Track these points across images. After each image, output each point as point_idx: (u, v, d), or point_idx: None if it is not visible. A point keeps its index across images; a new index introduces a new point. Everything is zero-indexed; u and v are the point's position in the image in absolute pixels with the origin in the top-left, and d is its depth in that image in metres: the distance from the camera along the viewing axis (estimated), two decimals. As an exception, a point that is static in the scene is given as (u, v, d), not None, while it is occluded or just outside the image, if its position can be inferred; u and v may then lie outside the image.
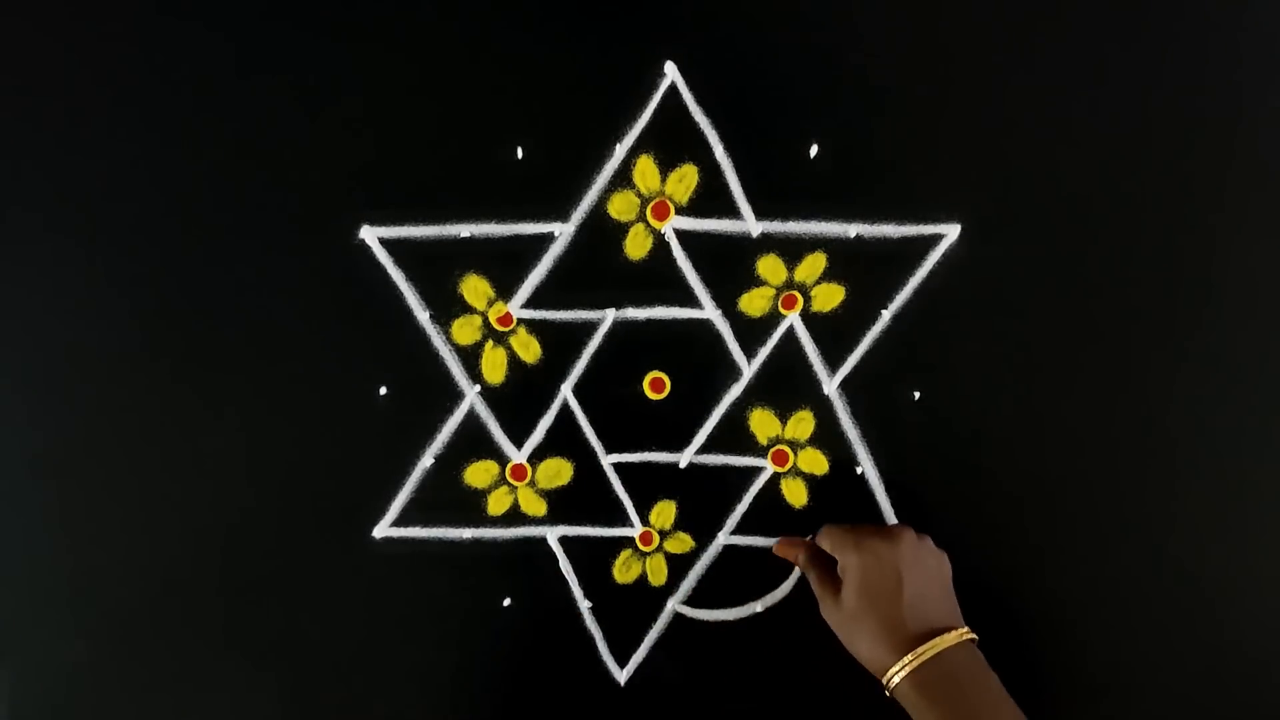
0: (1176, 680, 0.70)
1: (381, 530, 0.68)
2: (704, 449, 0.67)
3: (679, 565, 0.69)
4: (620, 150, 0.63)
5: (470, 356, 0.66)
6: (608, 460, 0.68)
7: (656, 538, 0.69)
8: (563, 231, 0.64)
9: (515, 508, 0.68)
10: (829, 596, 0.63)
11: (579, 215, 0.64)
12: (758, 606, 0.69)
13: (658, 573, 0.69)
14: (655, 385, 0.66)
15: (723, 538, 0.69)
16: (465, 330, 0.65)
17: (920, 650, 0.58)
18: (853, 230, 0.64)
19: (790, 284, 0.65)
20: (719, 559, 0.69)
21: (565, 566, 0.69)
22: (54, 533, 0.68)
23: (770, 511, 0.68)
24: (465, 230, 0.64)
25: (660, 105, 0.62)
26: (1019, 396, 0.66)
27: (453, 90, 0.62)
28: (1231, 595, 0.68)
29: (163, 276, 0.64)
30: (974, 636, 0.60)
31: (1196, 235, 0.63)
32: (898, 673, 0.58)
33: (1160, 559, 0.68)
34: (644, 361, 0.66)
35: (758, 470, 0.68)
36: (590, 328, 0.65)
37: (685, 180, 0.63)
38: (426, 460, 0.67)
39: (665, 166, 0.63)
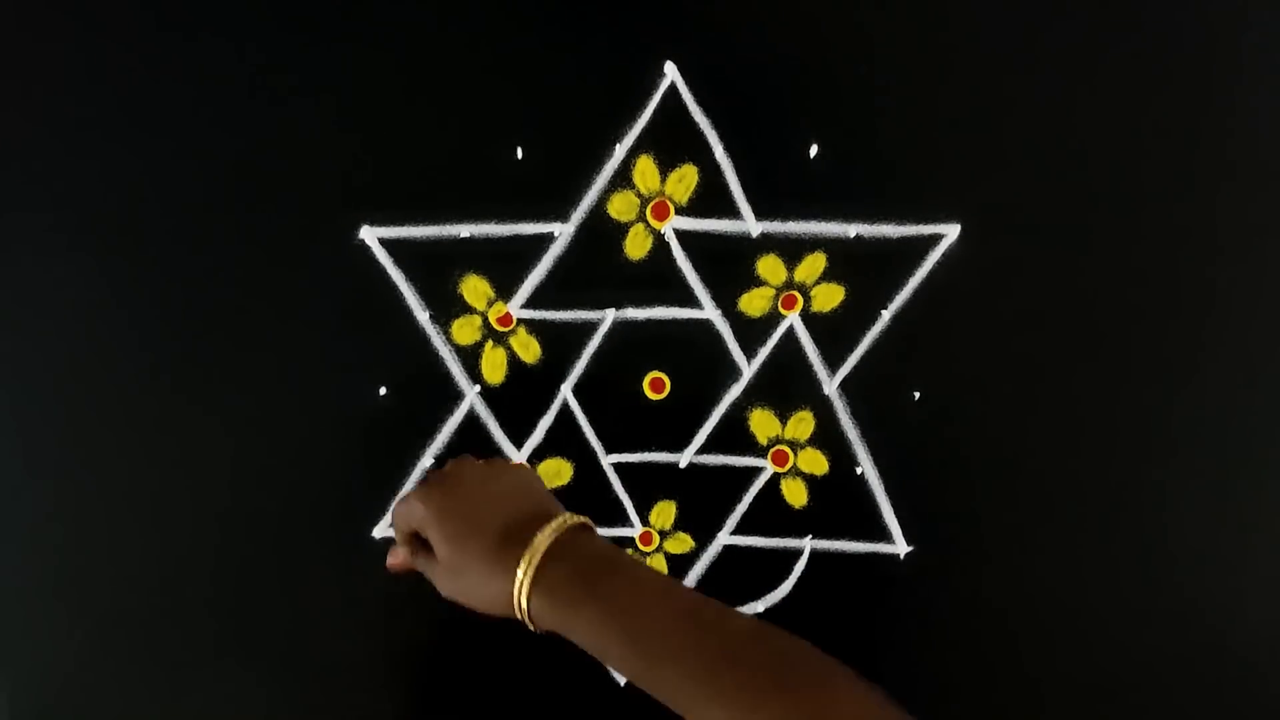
0: (1177, 681, 0.70)
1: (381, 530, 0.68)
2: (704, 449, 0.67)
3: (679, 565, 0.69)
4: (620, 150, 0.63)
5: (470, 356, 0.66)
6: (608, 460, 0.68)
7: (656, 538, 0.69)
8: (563, 231, 0.64)
9: (515, 508, 0.68)
10: (432, 566, 0.55)
11: (579, 215, 0.64)
12: (758, 606, 0.69)
13: (658, 573, 0.69)
14: (655, 385, 0.66)
15: (723, 538, 0.69)
16: (465, 330, 0.65)
17: (523, 564, 0.50)
18: (853, 230, 0.64)
19: (790, 284, 0.65)
20: (719, 559, 0.69)
21: (565, 566, 0.69)
22: (54, 533, 0.68)
23: (770, 511, 0.68)
24: (465, 230, 0.64)
25: (660, 105, 0.62)
26: (1019, 396, 0.66)
27: (453, 90, 0.62)
28: (1232, 596, 0.68)
29: (163, 277, 0.64)
30: (582, 520, 0.54)
31: (1196, 235, 0.63)
32: (520, 597, 0.50)
33: (1161, 559, 0.68)
34: (644, 361, 0.66)
35: (758, 470, 0.68)
36: (590, 328, 0.65)
37: (685, 180, 0.63)
38: (426, 460, 0.67)
39: (665, 166, 0.63)
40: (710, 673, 0.48)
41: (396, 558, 0.58)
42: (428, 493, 0.54)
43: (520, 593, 0.51)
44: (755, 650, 0.48)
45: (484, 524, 0.53)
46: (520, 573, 0.50)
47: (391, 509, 0.59)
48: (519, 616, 0.52)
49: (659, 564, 0.69)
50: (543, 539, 0.51)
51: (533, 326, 0.66)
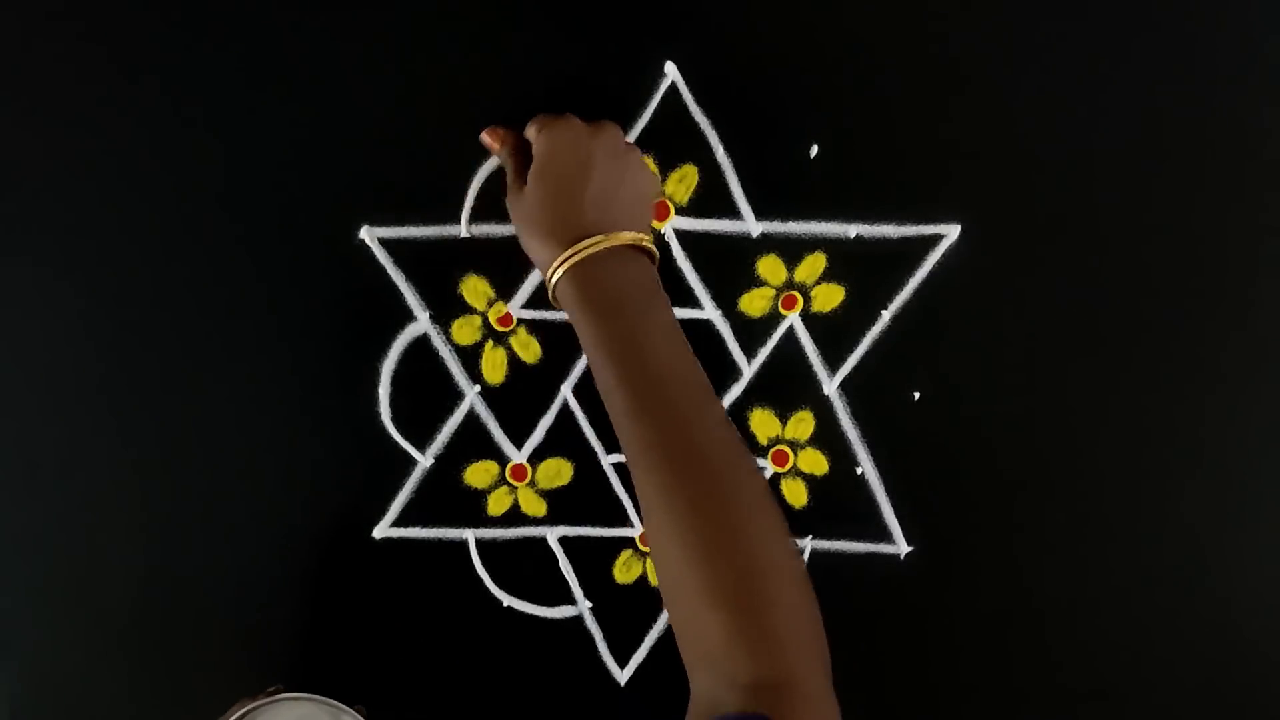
0: (1177, 681, 0.70)
1: (381, 530, 0.68)
2: (704, 449, 0.67)
3: (679, 565, 0.69)
4: (620, 150, 0.63)
5: (470, 356, 0.66)
6: (608, 460, 0.68)
7: (656, 538, 0.69)
8: (563, 231, 0.64)
9: (515, 508, 0.68)
10: (517, 182, 0.57)
11: (579, 215, 0.64)
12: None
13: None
14: (655, 385, 0.66)
15: (723, 538, 0.68)
16: (465, 330, 0.65)
17: (587, 243, 0.53)
18: (853, 230, 0.64)
19: (790, 284, 0.65)
20: (719, 559, 0.69)
21: (565, 566, 0.69)
22: (54, 533, 0.68)
23: (770, 511, 0.68)
24: (465, 230, 0.64)
25: (660, 105, 0.62)
26: (1019, 396, 0.66)
27: (453, 90, 0.62)
28: (1232, 596, 0.68)
29: (162, 277, 0.64)
30: (654, 251, 0.56)
31: (1198, 235, 0.63)
32: (559, 267, 0.53)
33: (1161, 559, 0.68)
34: (644, 361, 0.66)
35: (758, 470, 0.68)
36: (590, 328, 0.65)
37: (685, 180, 0.63)
38: (426, 460, 0.67)
39: (665, 166, 0.63)
40: (663, 468, 0.50)
41: (497, 143, 0.59)
42: (561, 127, 0.55)
43: (559, 267, 0.53)
44: (711, 466, 0.50)
45: (581, 188, 0.54)
46: (572, 250, 0.53)
47: (538, 118, 0.58)
48: (546, 278, 0.55)
49: (659, 564, 0.69)
50: (610, 240, 0.53)
51: (533, 326, 0.66)
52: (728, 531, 0.48)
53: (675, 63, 0.62)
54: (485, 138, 0.60)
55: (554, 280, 0.54)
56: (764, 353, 0.66)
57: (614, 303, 0.53)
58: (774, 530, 0.49)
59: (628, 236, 0.54)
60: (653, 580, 0.69)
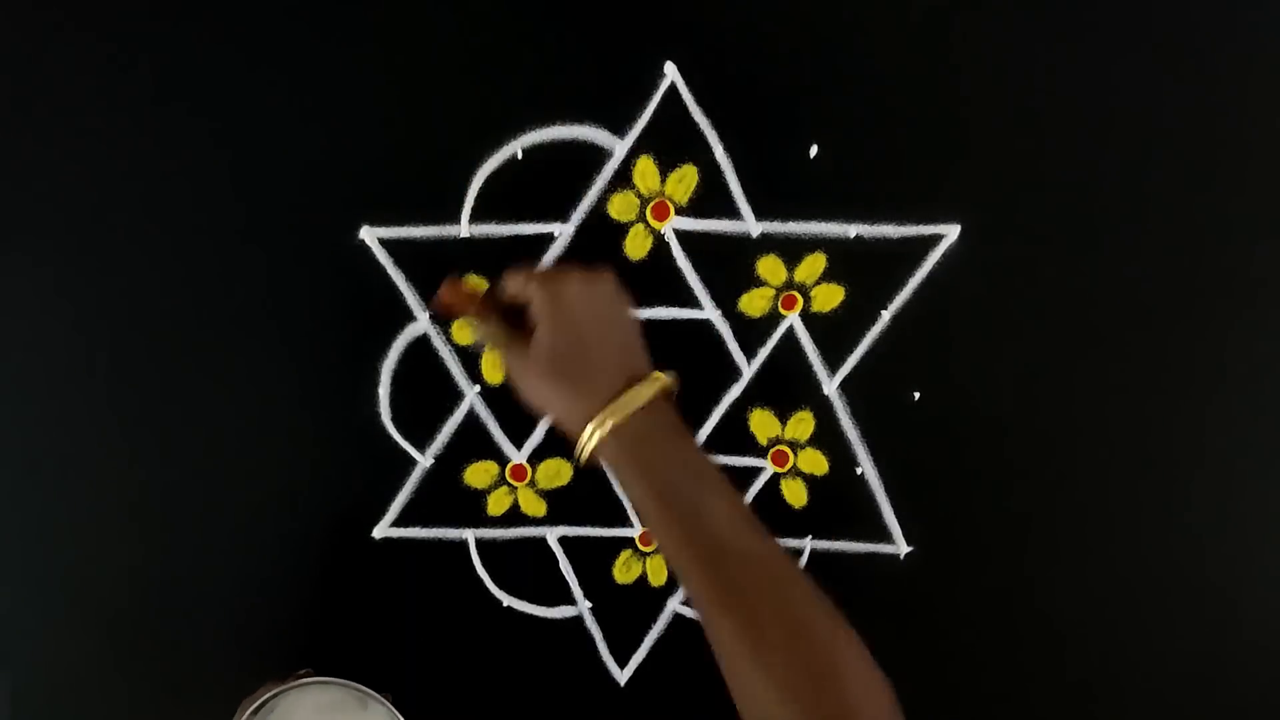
0: (1177, 680, 0.70)
1: (381, 530, 0.68)
2: (704, 449, 0.67)
3: (679, 565, 0.69)
4: (620, 150, 0.63)
5: (470, 357, 0.66)
6: (608, 460, 0.68)
7: (656, 538, 0.69)
8: (563, 231, 0.64)
9: (515, 508, 0.68)
10: (518, 349, 0.54)
11: (579, 215, 0.64)
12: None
13: (658, 573, 0.69)
14: (655, 385, 0.66)
15: (723, 538, 0.68)
16: (465, 330, 0.65)
17: (630, 395, 0.51)
18: (853, 230, 0.64)
19: (790, 284, 0.65)
20: (719, 559, 0.69)
21: (565, 566, 0.69)
22: (54, 533, 0.68)
23: (770, 512, 0.68)
24: (465, 230, 0.64)
25: (660, 105, 0.62)
26: (1019, 396, 0.66)
27: (453, 90, 0.62)
28: (1233, 597, 0.68)
29: (163, 277, 0.64)
30: (669, 383, 0.54)
31: (1198, 235, 0.63)
32: (604, 423, 0.51)
33: (1161, 559, 0.68)
34: (644, 361, 0.66)
35: (758, 470, 0.68)
36: (590, 328, 0.65)
37: (685, 180, 0.63)
38: (426, 460, 0.67)
39: (665, 167, 0.63)
40: (722, 605, 0.49)
41: (465, 305, 0.57)
42: (561, 278, 0.54)
43: (593, 435, 0.51)
44: (772, 596, 0.49)
45: (599, 338, 0.53)
46: (608, 413, 0.51)
47: (507, 276, 0.57)
48: (576, 442, 0.52)
49: (659, 564, 0.69)
50: (642, 394, 0.52)
51: (533, 326, 0.66)
52: (818, 668, 0.48)
53: (675, 63, 0.62)
54: (445, 298, 0.59)
55: (590, 447, 0.52)
56: (764, 353, 0.66)
57: (659, 459, 0.52)
58: (860, 659, 0.49)
59: (662, 380, 0.53)
60: (652, 580, 0.69)
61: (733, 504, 0.52)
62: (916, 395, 0.66)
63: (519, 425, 0.67)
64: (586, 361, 0.53)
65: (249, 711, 0.60)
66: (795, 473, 0.68)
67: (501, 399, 0.66)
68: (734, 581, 0.50)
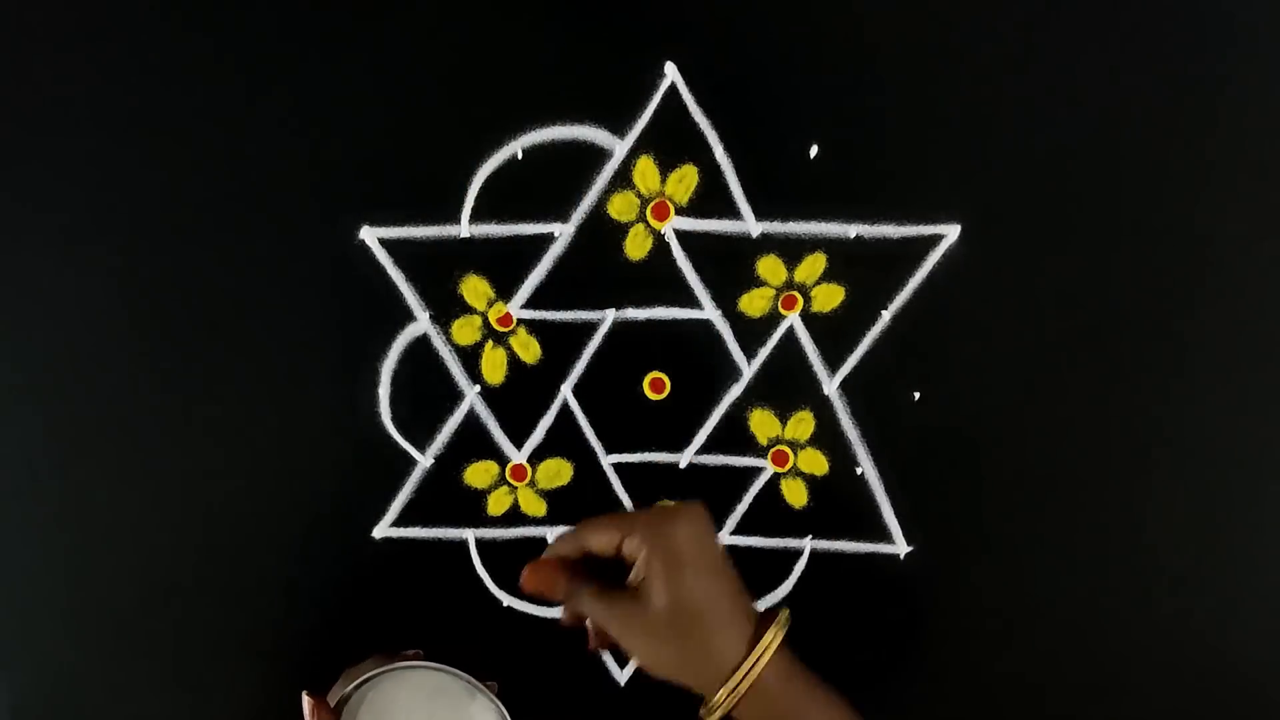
0: (1177, 682, 0.70)
1: (381, 530, 0.68)
2: (704, 449, 0.67)
3: (679, 565, 0.69)
4: (620, 150, 0.63)
5: (470, 356, 0.66)
6: (608, 460, 0.68)
7: (656, 538, 0.69)
8: (563, 232, 0.64)
9: (515, 508, 0.68)
10: (624, 609, 0.49)
11: (579, 215, 0.64)
12: (758, 606, 0.69)
13: (658, 573, 0.69)
14: (655, 385, 0.66)
15: (723, 538, 0.69)
16: (465, 330, 0.65)
17: (753, 656, 0.48)
18: (853, 230, 0.64)
19: (790, 284, 0.65)
20: (719, 559, 0.69)
21: (565, 566, 0.69)
22: (54, 533, 0.68)
23: (770, 512, 0.68)
24: (465, 230, 0.64)
25: (660, 105, 0.62)
26: (1019, 396, 0.66)
27: (453, 90, 0.62)
28: (1234, 597, 0.68)
29: (161, 277, 0.64)
30: (786, 623, 0.52)
31: (1198, 235, 0.63)
32: (732, 694, 0.48)
33: (1162, 559, 0.68)
34: (644, 361, 0.66)
35: (758, 470, 0.68)
36: (590, 328, 0.65)
37: (685, 180, 0.63)
38: (426, 460, 0.67)
39: (665, 167, 0.63)
40: None
41: (549, 586, 0.52)
42: (666, 525, 0.49)
43: (729, 697, 0.48)
44: None
45: (717, 589, 0.49)
46: (739, 678, 0.48)
47: (588, 528, 0.52)
48: (706, 700, 0.49)
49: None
50: (767, 647, 0.48)
51: (533, 326, 0.66)
52: None
53: (675, 63, 0.62)
54: (529, 579, 0.54)
55: (731, 701, 0.48)
56: (764, 353, 0.66)
57: (786, 696, 0.49)
58: None
59: (781, 621, 0.50)
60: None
61: None
62: (916, 395, 0.66)
63: (519, 425, 0.67)
64: (710, 617, 0.49)
65: (353, 685, 0.58)
66: (795, 473, 0.68)
67: (501, 399, 0.66)
68: None
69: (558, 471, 0.68)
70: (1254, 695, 0.70)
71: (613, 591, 0.51)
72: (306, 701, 0.56)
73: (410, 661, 0.60)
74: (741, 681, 0.48)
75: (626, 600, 0.50)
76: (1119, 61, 0.61)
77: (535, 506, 0.68)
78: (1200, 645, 0.69)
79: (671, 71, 0.62)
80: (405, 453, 0.67)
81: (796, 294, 0.65)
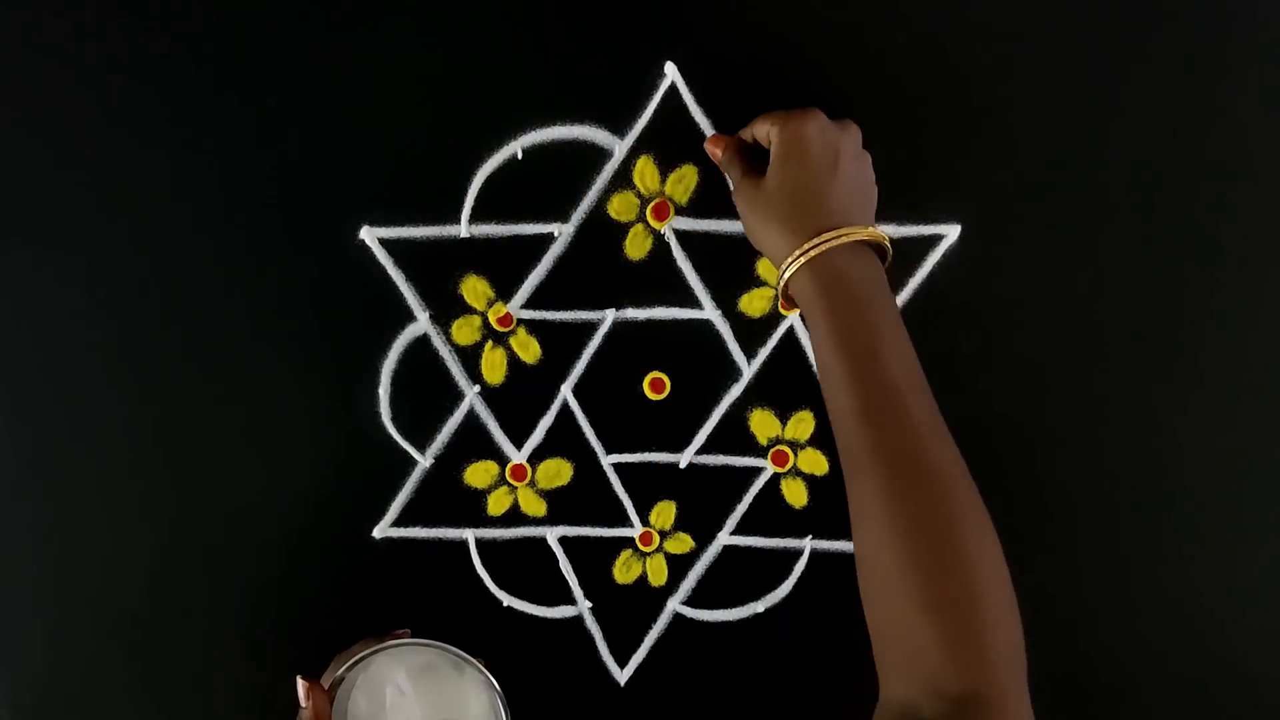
0: (1179, 682, 0.70)
1: (381, 530, 0.68)
2: (704, 449, 0.67)
3: (679, 565, 0.69)
4: (620, 150, 0.63)
5: (470, 357, 0.66)
6: (608, 460, 0.68)
7: (656, 538, 0.69)
8: (563, 232, 0.64)
9: (515, 508, 0.68)
10: (750, 177, 0.57)
11: (579, 215, 0.64)
12: (758, 607, 0.69)
13: (658, 573, 0.69)
14: (655, 385, 0.66)
15: (723, 538, 0.69)
16: (465, 330, 0.65)
17: (833, 234, 0.53)
18: (853, 230, 0.63)
19: (790, 284, 0.65)
20: (719, 559, 0.69)
21: (565, 566, 0.69)
22: (54, 533, 0.68)
23: (770, 512, 0.68)
24: (465, 230, 0.64)
25: (660, 105, 0.62)
26: (1019, 396, 0.66)
27: (453, 90, 0.62)
28: (1236, 597, 0.68)
29: (162, 277, 0.64)
30: (888, 248, 0.56)
31: (1199, 236, 0.63)
32: (800, 257, 0.53)
33: (1162, 559, 0.68)
34: (644, 361, 0.66)
35: (758, 470, 0.68)
36: (590, 328, 0.65)
37: (685, 180, 0.63)
38: (426, 460, 0.67)
39: (665, 166, 0.63)
40: (869, 460, 0.50)
41: (722, 147, 0.60)
42: (804, 120, 0.55)
43: (795, 261, 0.53)
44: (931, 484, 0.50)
45: (829, 182, 0.54)
46: (816, 240, 0.53)
47: (758, 119, 0.58)
48: (781, 267, 0.55)
49: (659, 564, 0.69)
50: (853, 233, 0.53)
51: (533, 326, 0.66)
52: (947, 543, 0.48)
53: (675, 63, 0.62)
54: (709, 146, 0.61)
55: (790, 271, 0.54)
56: (764, 353, 0.66)
57: (854, 298, 0.52)
58: (991, 546, 0.49)
59: (871, 231, 0.54)
60: (652, 580, 0.69)
61: (909, 364, 0.52)
62: (916, 395, 0.66)
63: (519, 425, 0.67)
64: (805, 201, 0.54)
65: (344, 667, 0.59)
66: (795, 473, 0.68)
67: (501, 399, 0.66)
68: (886, 441, 0.50)
69: (558, 471, 0.68)
70: (1257, 696, 0.70)
71: (750, 166, 0.58)
72: (301, 685, 0.57)
73: (399, 640, 0.61)
74: (801, 256, 0.53)
75: (754, 174, 0.57)
76: (1120, 62, 0.61)
77: (535, 506, 0.68)
78: (1204, 644, 0.69)
79: (671, 71, 0.62)
80: (405, 453, 0.67)
81: (796, 294, 0.65)
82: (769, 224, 0.56)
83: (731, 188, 0.60)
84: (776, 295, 0.65)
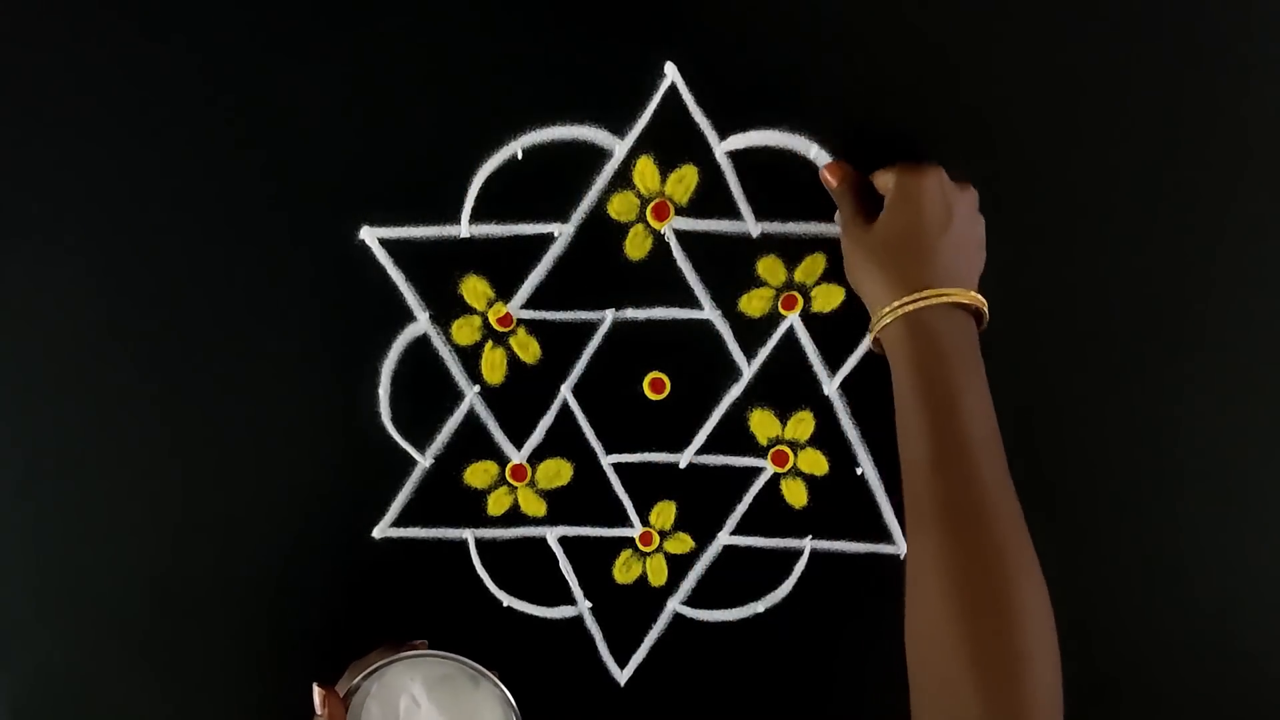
0: (1179, 682, 0.70)
1: (381, 530, 0.68)
2: (704, 449, 0.67)
3: (679, 565, 0.69)
4: (620, 150, 0.63)
5: (470, 357, 0.66)
6: (608, 460, 0.68)
7: (656, 538, 0.69)
8: (563, 232, 0.64)
9: (515, 508, 0.68)
10: (859, 219, 0.58)
11: (579, 215, 0.64)
12: (758, 607, 0.69)
13: (658, 573, 0.69)
14: (655, 385, 0.66)
15: (723, 538, 0.69)
16: (465, 330, 0.65)
17: (933, 292, 0.54)
18: (853, 230, 0.63)
19: (790, 284, 0.65)
20: (719, 559, 0.69)
21: (565, 566, 0.69)
22: (54, 534, 0.68)
23: (770, 512, 0.68)
24: (465, 230, 0.64)
25: (660, 105, 0.62)
26: (1018, 396, 0.66)
27: (453, 90, 0.62)
28: (1236, 597, 0.68)
29: (162, 277, 0.64)
30: (985, 313, 0.57)
31: (1199, 236, 0.63)
32: (899, 309, 0.54)
33: (1163, 560, 0.68)
34: (644, 361, 0.66)
35: (758, 470, 0.68)
36: (590, 328, 0.65)
37: (685, 180, 0.63)
38: (426, 460, 0.67)
39: (665, 166, 0.63)
40: (932, 518, 0.51)
41: (840, 179, 0.60)
42: (924, 173, 0.56)
43: (892, 312, 0.54)
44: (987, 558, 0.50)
45: (939, 238, 0.55)
46: (915, 296, 0.54)
47: (899, 164, 0.58)
48: (876, 315, 0.56)
49: (659, 564, 0.69)
50: (953, 295, 0.54)
51: (533, 326, 0.66)
52: (1000, 598, 0.49)
53: (675, 63, 0.62)
54: (825, 174, 0.61)
55: (885, 322, 0.55)
56: (764, 353, 0.66)
57: (942, 355, 0.54)
58: (1042, 603, 0.50)
59: (972, 295, 0.55)
60: (652, 580, 0.69)
61: (987, 425, 0.53)
62: (916, 395, 0.66)
63: (519, 425, 0.67)
64: (912, 255, 0.55)
65: (360, 676, 0.59)
66: (795, 473, 0.68)
67: (501, 399, 0.66)
68: (952, 493, 0.50)
69: (557, 471, 0.68)
70: (1258, 696, 0.70)
71: (863, 207, 0.59)
72: (317, 692, 0.57)
73: (416, 651, 0.61)
74: (900, 308, 0.54)
75: (863, 217, 0.58)
76: (1119, 61, 0.61)
77: (535, 506, 0.68)
78: (1205, 644, 0.69)
79: (671, 71, 0.62)
80: (405, 453, 0.67)
81: (796, 294, 0.65)
82: (871, 268, 0.57)
83: (839, 222, 0.61)
84: (774, 301, 0.65)
